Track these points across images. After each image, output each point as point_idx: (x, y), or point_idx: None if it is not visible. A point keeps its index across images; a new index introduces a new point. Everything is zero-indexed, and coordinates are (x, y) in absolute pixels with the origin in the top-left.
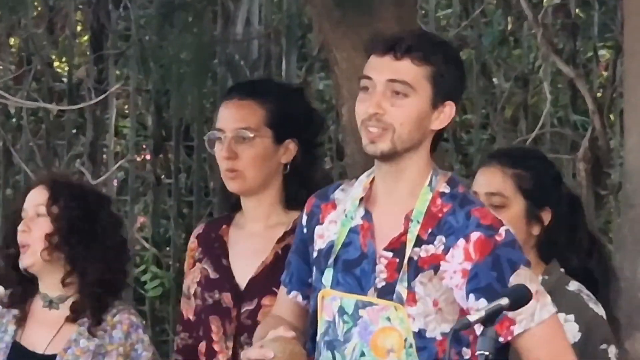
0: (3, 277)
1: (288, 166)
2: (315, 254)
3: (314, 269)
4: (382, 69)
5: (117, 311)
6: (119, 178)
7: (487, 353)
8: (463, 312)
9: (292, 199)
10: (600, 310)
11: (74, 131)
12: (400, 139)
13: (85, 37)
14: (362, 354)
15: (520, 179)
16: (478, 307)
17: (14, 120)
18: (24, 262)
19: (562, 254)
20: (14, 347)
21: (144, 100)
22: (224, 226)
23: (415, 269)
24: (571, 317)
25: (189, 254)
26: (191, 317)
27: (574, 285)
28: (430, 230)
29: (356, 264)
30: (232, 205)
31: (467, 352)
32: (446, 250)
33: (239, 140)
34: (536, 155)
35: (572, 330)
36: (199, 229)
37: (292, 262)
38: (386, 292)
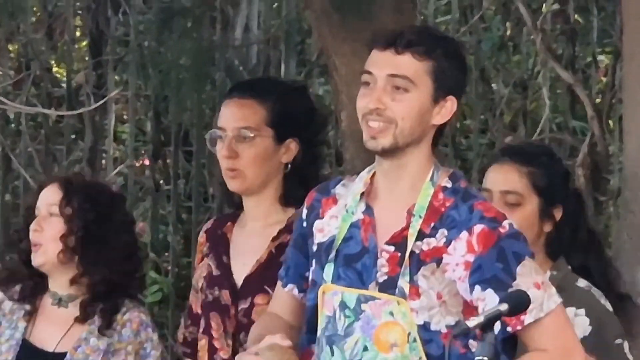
0: (15, 271)
1: (289, 165)
2: (315, 248)
3: (314, 262)
4: (383, 63)
5: (127, 309)
6: (118, 183)
7: (486, 359)
8: (467, 305)
9: (292, 197)
10: (609, 306)
11: (73, 136)
12: (402, 133)
13: (84, 43)
14: (365, 349)
15: (535, 177)
16: (484, 298)
17: (13, 125)
18: (36, 261)
19: (567, 251)
20: (23, 344)
21: (143, 106)
22: (229, 223)
23: (418, 262)
24: (582, 311)
25: (198, 248)
26: (199, 311)
27: (583, 282)
28: (432, 225)
29: (357, 258)
30: (236, 203)
31: (473, 344)
32: (448, 242)
33: (240, 139)
34: (547, 152)
35: (582, 324)
36: (208, 224)
37: (289, 256)
38: (388, 286)
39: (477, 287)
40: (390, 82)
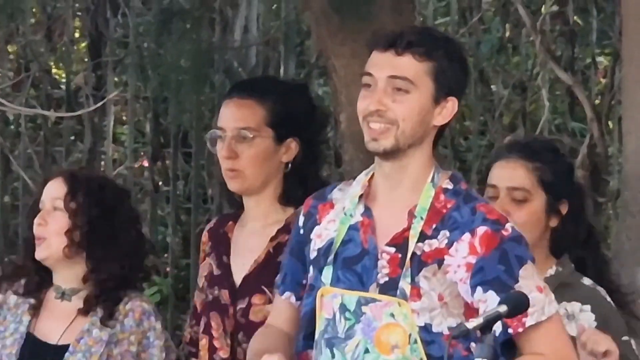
0: (20, 265)
1: (289, 165)
2: (314, 254)
3: (311, 269)
4: (383, 65)
5: (128, 299)
6: None
7: None
8: (468, 307)
9: (291, 197)
10: (613, 304)
11: (72, 138)
12: (403, 134)
13: (84, 44)
14: (366, 351)
15: (541, 173)
16: (486, 299)
17: (12, 127)
18: (39, 254)
19: (570, 246)
20: (27, 337)
21: (142, 107)
22: (230, 223)
23: (419, 263)
24: (587, 307)
25: (201, 247)
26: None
27: (588, 280)
28: (434, 226)
29: (357, 260)
30: (237, 203)
31: (475, 347)
32: (450, 244)
33: (239, 140)
34: (552, 147)
35: (588, 319)
36: (210, 223)
37: (286, 263)
38: (389, 288)
39: (479, 289)
40: (390, 83)
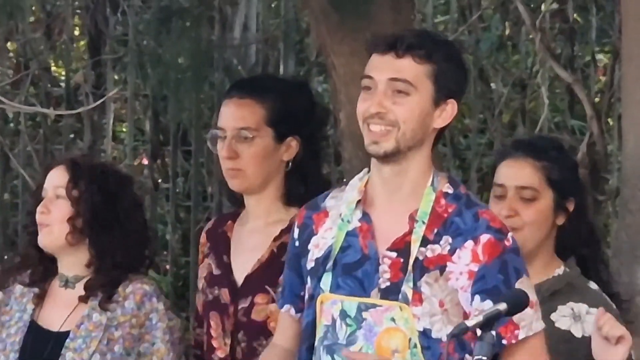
0: (26, 256)
1: (290, 163)
2: (311, 265)
3: (309, 279)
4: (383, 67)
5: (129, 282)
6: None
7: (484, 358)
8: (465, 316)
9: (293, 195)
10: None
11: (72, 136)
12: (404, 137)
13: (83, 42)
14: None
15: (549, 171)
16: (483, 309)
17: (11, 125)
18: (42, 241)
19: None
20: (31, 325)
21: (141, 105)
22: (229, 222)
23: (421, 268)
24: (594, 310)
25: (200, 249)
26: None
27: (594, 285)
28: (436, 230)
29: (357, 266)
30: (238, 201)
31: (469, 359)
32: (452, 251)
33: (240, 140)
34: (557, 145)
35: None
36: (209, 224)
37: (285, 276)
38: (390, 292)
39: (477, 298)
40: (391, 86)
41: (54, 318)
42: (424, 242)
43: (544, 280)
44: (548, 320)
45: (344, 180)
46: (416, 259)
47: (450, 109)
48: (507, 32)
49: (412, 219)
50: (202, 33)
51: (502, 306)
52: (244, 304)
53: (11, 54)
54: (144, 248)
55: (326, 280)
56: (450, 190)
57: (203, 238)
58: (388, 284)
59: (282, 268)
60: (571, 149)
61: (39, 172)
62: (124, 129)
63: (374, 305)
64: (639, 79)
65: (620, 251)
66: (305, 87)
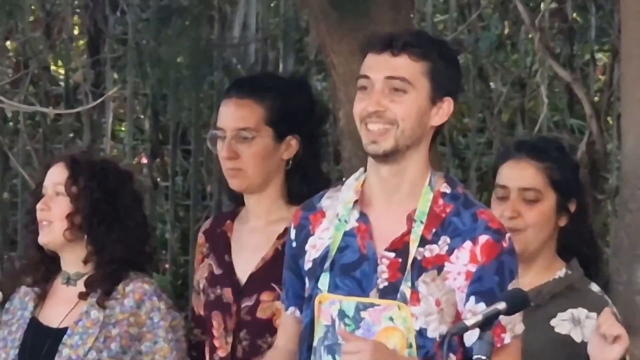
0: (27, 258)
1: (290, 162)
2: (309, 265)
3: (307, 279)
4: (379, 66)
5: (129, 281)
6: None
7: (484, 357)
8: (457, 316)
9: (294, 193)
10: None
11: (71, 135)
12: (402, 135)
13: (82, 41)
14: None
15: (551, 172)
16: (475, 311)
17: (11, 124)
18: (42, 239)
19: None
20: (31, 322)
21: (141, 104)
22: (228, 221)
23: (419, 268)
24: (594, 314)
25: (198, 250)
26: (202, 312)
27: (596, 287)
28: (434, 230)
29: (356, 266)
30: (238, 199)
31: (453, 358)
32: (450, 251)
33: (239, 140)
34: (558, 145)
35: (594, 326)
36: (206, 224)
37: (286, 279)
38: (389, 292)
39: (472, 299)
40: (388, 84)
41: (54, 315)
42: (422, 242)
43: (546, 282)
44: (547, 326)
45: (343, 179)
46: (414, 259)
47: (446, 106)
48: (506, 31)
49: (410, 219)
50: (201, 32)
51: (502, 305)
52: (248, 302)
53: (10, 53)
54: (144, 244)
55: (324, 280)
56: (448, 190)
57: (201, 238)
58: (386, 284)
59: None
60: (570, 148)
61: (38, 171)
62: (123, 128)
63: (372, 305)
64: (638, 78)
65: (620, 250)
66: (305, 86)
